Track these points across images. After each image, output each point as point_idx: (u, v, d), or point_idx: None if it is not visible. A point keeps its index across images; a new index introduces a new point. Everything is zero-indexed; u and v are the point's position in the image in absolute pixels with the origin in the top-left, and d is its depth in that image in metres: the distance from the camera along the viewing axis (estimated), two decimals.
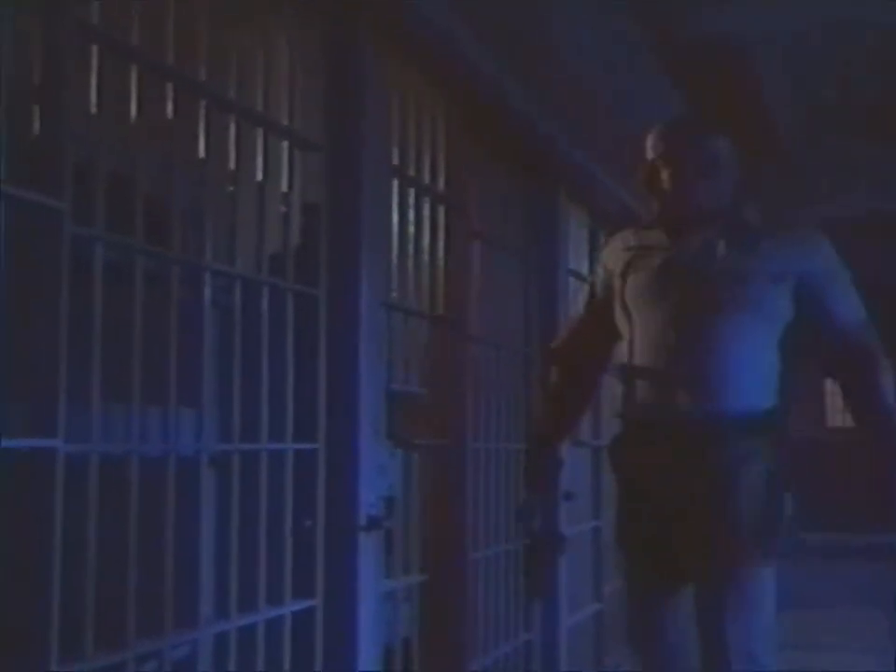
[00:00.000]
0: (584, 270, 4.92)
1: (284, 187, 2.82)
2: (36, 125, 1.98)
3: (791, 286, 2.66)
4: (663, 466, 2.63)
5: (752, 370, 2.65)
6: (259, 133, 2.70)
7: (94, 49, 2.15)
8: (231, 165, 2.61)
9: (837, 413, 15.10)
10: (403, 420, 3.31)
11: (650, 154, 2.72)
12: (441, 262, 3.59)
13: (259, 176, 2.71)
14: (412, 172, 3.40)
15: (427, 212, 3.50)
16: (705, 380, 2.62)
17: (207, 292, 2.46)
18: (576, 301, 3.66)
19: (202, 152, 2.51)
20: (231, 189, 2.63)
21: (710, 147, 2.73)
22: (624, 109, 4.47)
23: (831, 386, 14.99)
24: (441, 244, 3.59)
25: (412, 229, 3.40)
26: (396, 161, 3.28)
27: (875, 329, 2.73)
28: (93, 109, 2.16)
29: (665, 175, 2.68)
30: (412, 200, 3.40)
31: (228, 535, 2.51)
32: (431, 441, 3.53)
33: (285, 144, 2.81)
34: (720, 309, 2.62)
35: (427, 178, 3.51)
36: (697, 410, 2.61)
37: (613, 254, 2.84)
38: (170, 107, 2.39)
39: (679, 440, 2.63)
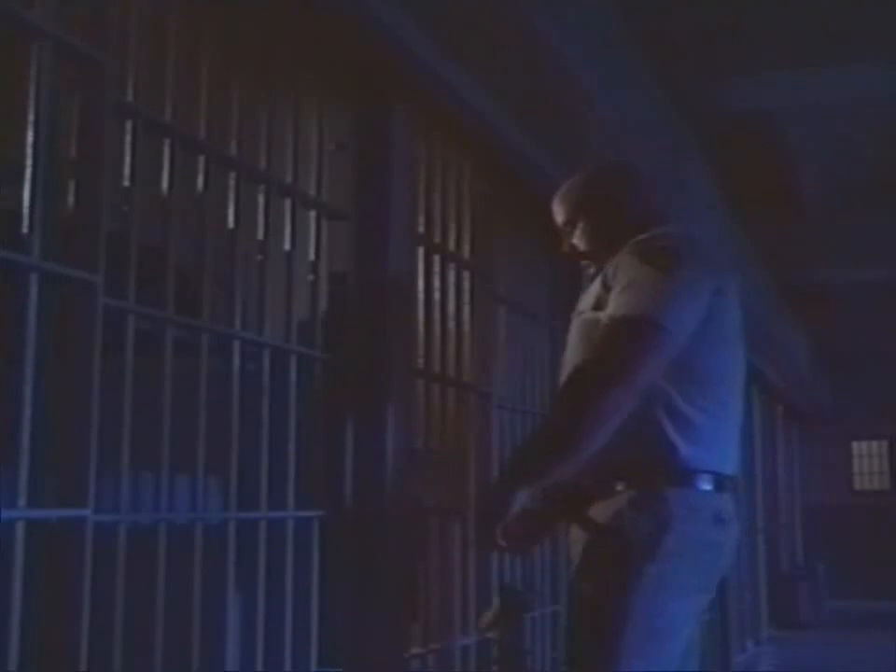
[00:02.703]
0: None
1: (311, 255, 2.85)
2: (71, 199, 2.02)
3: None
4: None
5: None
6: (288, 203, 2.75)
7: (128, 124, 2.20)
8: (260, 235, 2.65)
9: (865, 476, 14.97)
10: (426, 484, 3.32)
11: None
12: (466, 328, 3.61)
13: (288, 246, 2.75)
14: (437, 239, 3.43)
15: (452, 279, 3.53)
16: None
17: (236, 360, 2.49)
18: None
19: (231, 223, 2.55)
20: (260, 258, 2.67)
21: (568, 199, 2.62)
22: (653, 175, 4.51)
23: (857, 449, 14.91)
24: (466, 310, 3.62)
25: (437, 295, 3.43)
26: (422, 228, 3.32)
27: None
28: (126, 182, 2.20)
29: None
30: (437, 267, 3.43)
31: (254, 603, 2.51)
32: (454, 504, 3.53)
33: (312, 213, 2.85)
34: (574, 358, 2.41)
35: (452, 246, 3.54)
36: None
37: None
38: (201, 180, 2.43)
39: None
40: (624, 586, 2.21)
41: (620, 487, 2.30)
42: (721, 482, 2.32)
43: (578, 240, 2.63)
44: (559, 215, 2.66)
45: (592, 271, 2.67)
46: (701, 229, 2.66)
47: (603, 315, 2.29)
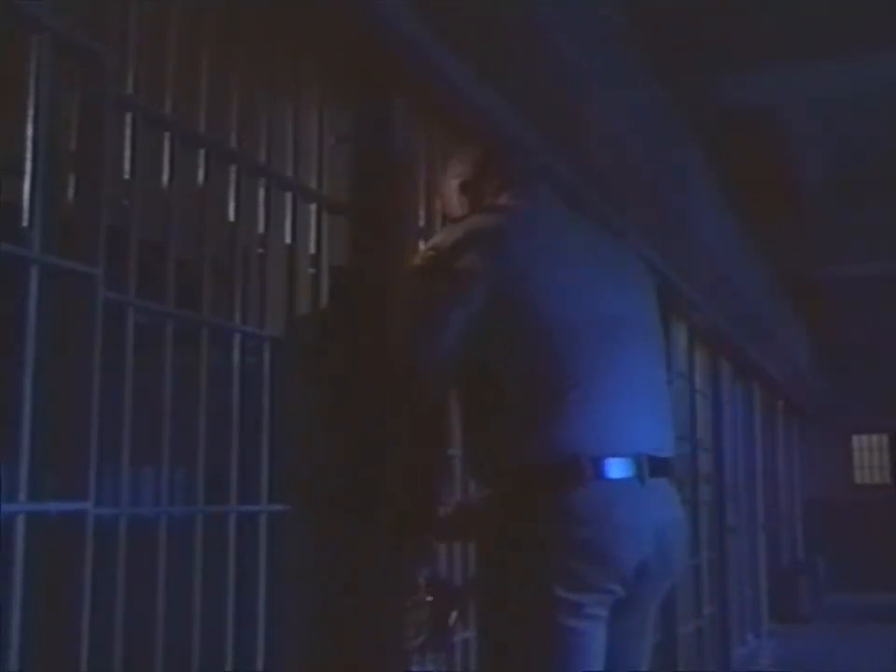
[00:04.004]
0: None
1: (312, 249, 2.85)
2: (71, 192, 2.02)
3: None
4: None
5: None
6: (288, 196, 2.74)
7: (128, 117, 2.19)
8: (261, 228, 2.65)
9: (865, 470, 14.97)
10: None
11: None
12: None
13: (288, 239, 2.75)
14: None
15: None
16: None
17: (237, 354, 2.49)
18: None
19: (231, 216, 2.55)
20: (261, 251, 2.67)
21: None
22: (654, 167, 4.50)
23: (858, 443, 14.91)
24: None
25: None
26: (422, 222, 3.31)
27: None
28: (126, 176, 2.20)
29: None
30: None
31: (254, 596, 2.51)
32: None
33: (313, 207, 2.85)
34: None
35: None
36: None
37: None
38: (201, 173, 2.43)
39: None
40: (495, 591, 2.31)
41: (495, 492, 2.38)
42: (584, 471, 2.23)
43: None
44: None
45: None
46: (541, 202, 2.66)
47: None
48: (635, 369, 2.40)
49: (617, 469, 2.26)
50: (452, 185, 2.77)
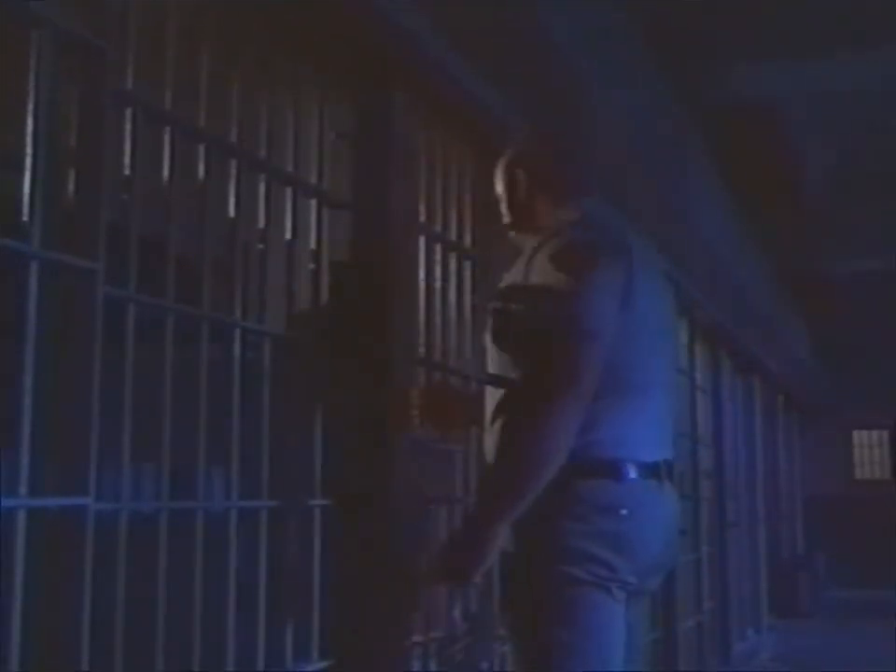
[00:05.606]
0: None
1: (312, 244, 2.85)
2: (71, 187, 2.02)
3: None
4: None
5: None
6: (289, 191, 2.74)
7: (128, 111, 2.19)
8: (261, 224, 2.65)
9: (866, 466, 14.98)
10: (427, 473, 3.32)
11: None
12: (467, 317, 3.60)
13: (289, 235, 2.75)
14: (439, 228, 3.43)
15: (453, 268, 3.52)
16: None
17: (237, 349, 2.49)
18: None
19: (232, 211, 2.55)
20: (261, 247, 2.66)
21: (496, 171, 2.65)
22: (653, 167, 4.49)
23: (858, 438, 14.91)
24: (467, 299, 3.61)
25: (438, 284, 3.42)
26: (423, 217, 3.31)
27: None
28: (126, 171, 2.20)
29: None
30: (438, 256, 3.43)
31: (256, 591, 2.52)
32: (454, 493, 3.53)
33: (313, 202, 2.85)
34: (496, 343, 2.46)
35: (454, 234, 3.54)
36: None
37: None
38: (201, 168, 2.43)
39: None
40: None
41: None
42: (625, 470, 2.31)
43: (504, 211, 2.63)
44: (495, 187, 2.68)
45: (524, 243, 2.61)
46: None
47: (519, 317, 2.35)
48: (665, 373, 2.51)
49: (647, 471, 2.35)
50: (519, 173, 2.60)
